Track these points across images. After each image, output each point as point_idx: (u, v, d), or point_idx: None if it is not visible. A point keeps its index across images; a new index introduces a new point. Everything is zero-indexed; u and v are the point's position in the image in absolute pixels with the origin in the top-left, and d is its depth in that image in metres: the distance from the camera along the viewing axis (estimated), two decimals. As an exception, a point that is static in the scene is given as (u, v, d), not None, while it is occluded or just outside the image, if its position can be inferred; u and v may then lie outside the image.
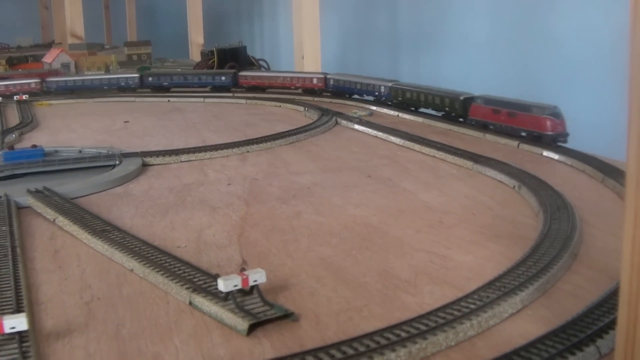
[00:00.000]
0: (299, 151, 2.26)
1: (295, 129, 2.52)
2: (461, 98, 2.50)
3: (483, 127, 2.36)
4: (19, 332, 0.97)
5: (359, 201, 1.68)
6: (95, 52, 5.54)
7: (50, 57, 4.80)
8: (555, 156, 2.01)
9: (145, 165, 2.08)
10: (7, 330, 0.96)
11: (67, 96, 3.77)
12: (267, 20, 7.19)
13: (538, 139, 2.12)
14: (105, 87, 3.83)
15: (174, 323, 1.06)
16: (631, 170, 0.75)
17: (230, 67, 4.03)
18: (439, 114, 2.67)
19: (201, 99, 3.53)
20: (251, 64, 4.26)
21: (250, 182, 1.88)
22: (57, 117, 3.16)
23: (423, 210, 1.59)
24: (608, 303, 1.01)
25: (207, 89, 3.75)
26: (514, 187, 1.73)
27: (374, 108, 2.95)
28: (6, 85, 3.81)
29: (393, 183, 1.84)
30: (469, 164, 1.95)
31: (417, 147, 2.20)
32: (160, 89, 3.79)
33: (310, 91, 3.38)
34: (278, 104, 3.26)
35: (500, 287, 1.08)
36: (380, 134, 2.41)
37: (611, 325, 0.94)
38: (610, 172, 1.76)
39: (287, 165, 2.06)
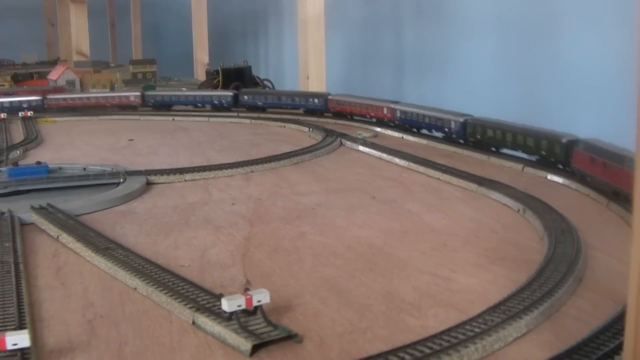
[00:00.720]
0: (303, 172, 2.25)
1: (300, 149, 2.52)
2: (563, 141, 2.03)
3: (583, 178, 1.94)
4: (21, 349, 0.97)
5: (363, 222, 1.67)
6: (100, 70, 5.55)
7: (56, 74, 4.81)
8: (560, 180, 2.01)
9: (149, 184, 2.08)
10: (9, 346, 0.95)
11: (72, 113, 3.77)
12: (272, 41, 7.21)
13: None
14: (200, 105, 3.80)
15: (176, 343, 1.06)
16: (638, 194, 0.75)
17: (235, 87, 4.04)
18: (516, 152, 2.32)
19: (205, 118, 3.53)
20: (256, 84, 4.27)
21: (255, 202, 1.88)
22: (61, 134, 3.17)
23: (427, 232, 1.59)
24: (613, 328, 1.00)
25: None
26: (519, 210, 1.72)
27: (378, 129, 2.95)
28: (105, 98, 3.91)
29: (397, 205, 1.84)
30: (473, 186, 1.95)
31: (421, 169, 2.19)
32: (255, 109, 3.64)
33: (380, 122, 3.05)
34: (282, 124, 3.26)
35: (505, 310, 1.08)
36: (384, 156, 2.41)
37: (617, 350, 0.93)
38: (615, 197, 1.75)
39: (291, 186, 2.06)
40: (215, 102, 3.71)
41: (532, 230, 1.58)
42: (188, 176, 2.15)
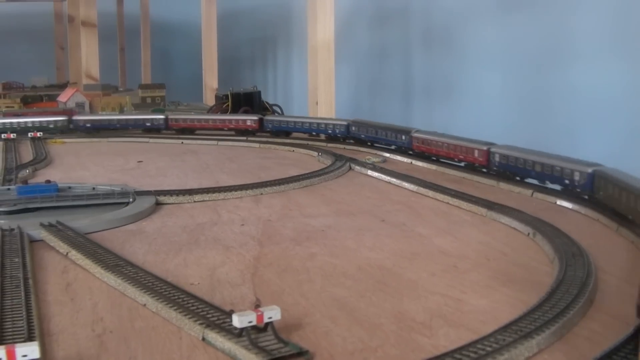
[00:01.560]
0: (312, 195, 2.25)
1: (309, 172, 2.52)
2: None
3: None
4: (31, 361, 0.96)
5: (372, 244, 1.67)
6: (109, 94, 5.57)
7: (65, 97, 4.83)
8: (569, 205, 2.00)
9: (158, 204, 2.08)
10: (19, 358, 0.95)
11: (81, 135, 3.78)
12: (280, 67, 7.24)
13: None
14: (314, 133, 3.53)
15: (186, 358, 1.05)
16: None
17: (244, 112, 4.05)
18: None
19: (214, 142, 3.54)
20: (265, 109, 4.28)
21: (264, 224, 1.88)
22: (70, 155, 3.17)
23: (437, 255, 1.58)
24: (625, 348, 0.99)
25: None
26: (529, 234, 1.72)
27: (387, 155, 2.95)
28: (222, 121, 3.82)
29: (407, 228, 1.83)
30: (483, 210, 1.95)
31: (430, 193, 2.19)
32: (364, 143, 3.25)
33: (471, 167, 2.51)
34: (291, 148, 3.27)
35: (517, 330, 1.07)
36: (394, 180, 2.40)
37: None
38: (625, 222, 1.75)
39: (300, 208, 2.06)
40: (329, 131, 3.43)
41: (542, 254, 1.58)
42: (197, 197, 2.15)
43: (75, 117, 3.92)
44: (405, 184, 2.33)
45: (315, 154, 3.04)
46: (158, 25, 9.12)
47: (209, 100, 6.29)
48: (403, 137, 2.91)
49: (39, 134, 3.60)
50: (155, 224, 1.88)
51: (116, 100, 4.88)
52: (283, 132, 3.63)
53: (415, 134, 2.84)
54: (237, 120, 3.74)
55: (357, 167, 2.67)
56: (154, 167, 2.83)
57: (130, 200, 2.05)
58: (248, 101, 4.21)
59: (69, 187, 2.26)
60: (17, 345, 0.96)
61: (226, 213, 2.00)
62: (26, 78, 7.52)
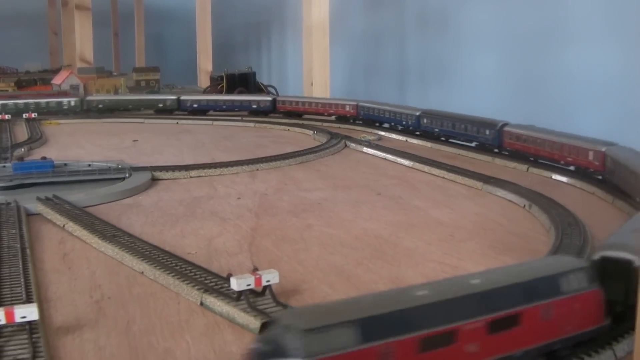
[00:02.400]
0: (308, 170, 2.25)
1: (305, 149, 2.52)
2: None
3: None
4: (30, 322, 0.96)
5: (369, 216, 1.67)
6: (103, 77, 5.55)
7: (60, 79, 4.82)
8: (565, 179, 2.01)
9: (154, 180, 2.08)
10: (17, 319, 0.95)
11: (76, 116, 3.77)
12: (274, 52, 7.23)
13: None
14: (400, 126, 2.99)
15: (185, 322, 1.05)
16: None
17: (239, 92, 4.05)
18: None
19: (210, 122, 3.53)
20: (260, 90, 4.28)
21: (260, 197, 1.88)
22: (65, 135, 3.17)
23: (434, 225, 1.59)
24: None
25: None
26: (524, 206, 1.72)
27: (382, 133, 2.95)
28: (323, 105, 3.51)
29: (403, 200, 1.83)
30: (478, 184, 1.95)
31: (426, 168, 2.20)
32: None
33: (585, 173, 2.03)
34: (287, 127, 3.27)
35: (514, 293, 1.08)
36: (389, 156, 2.41)
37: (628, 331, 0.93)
38: (621, 195, 1.75)
39: (296, 183, 2.06)
40: (403, 122, 2.91)
41: (538, 224, 1.58)
42: (193, 173, 2.15)
43: (182, 97, 3.86)
44: (401, 160, 2.33)
45: (311, 132, 3.04)
46: (152, 10, 9.08)
47: (204, 83, 6.27)
48: (487, 132, 2.43)
49: (33, 115, 3.58)
50: (152, 198, 1.88)
51: (111, 82, 4.86)
52: (371, 121, 3.20)
53: (508, 129, 2.35)
54: (336, 105, 3.43)
55: (353, 145, 2.67)
56: (150, 145, 2.83)
57: (126, 175, 2.05)
58: (243, 82, 4.21)
59: (65, 164, 2.25)
60: (16, 306, 0.97)
61: (222, 187, 2.00)
62: (20, 64, 7.49)
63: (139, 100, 3.93)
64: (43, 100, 3.78)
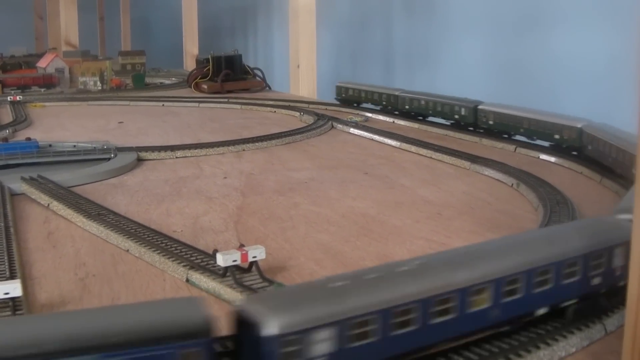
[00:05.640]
0: (294, 151, 2.24)
1: (292, 130, 2.51)
2: None
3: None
4: (13, 299, 0.95)
5: (356, 194, 1.66)
6: (88, 60, 5.51)
7: (45, 62, 4.78)
8: (552, 159, 2.00)
9: (140, 160, 2.06)
10: (1, 295, 0.94)
11: (61, 98, 3.74)
12: (261, 36, 7.20)
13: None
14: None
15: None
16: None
17: (225, 75, 4.03)
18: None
19: (196, 104, 3.51)
20: (246, 72, 4.25)
21: (247, 177, 1.87)
22: (50, 117, 3.14)
23: (421, 204, 1.58)
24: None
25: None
26: (512, 185, 1.71)
27: (369, 115, 2.94)
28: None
29: (390, 180, 1.83)
30: (466, 164, 1.95)
31: (413, 148, 2.19)
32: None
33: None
34: (273, 109, 3.25)
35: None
36: (376, 137, 2.40)
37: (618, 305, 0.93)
38: (608, 174, 1.75)
39: (283, 163, 2.05)
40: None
41: (527, 203, 1.58)
42: (179, 153, 2.14)
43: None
44: (388, 141, 2.32)
45: (297, 114, 3.03)
46: (138, -6, 9.04)
47: (190, 66, 6.23)
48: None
49: (18, 98, 3.55)
50: (137, 178, 1.87)
51: (96, 65, 4.82)
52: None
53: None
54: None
55: (340, 126, 2.66)
56: (135, 127, 2.81)
57: (112, 156, 2.03)
58: (229, 64, 4.17)
59: (50, 145, 2.23)
60: (-1, 282, 0.95)
61: (208, 167, 1.98)
62: (5, 48, 7.44)
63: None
64: (437, 100, 2.65)
